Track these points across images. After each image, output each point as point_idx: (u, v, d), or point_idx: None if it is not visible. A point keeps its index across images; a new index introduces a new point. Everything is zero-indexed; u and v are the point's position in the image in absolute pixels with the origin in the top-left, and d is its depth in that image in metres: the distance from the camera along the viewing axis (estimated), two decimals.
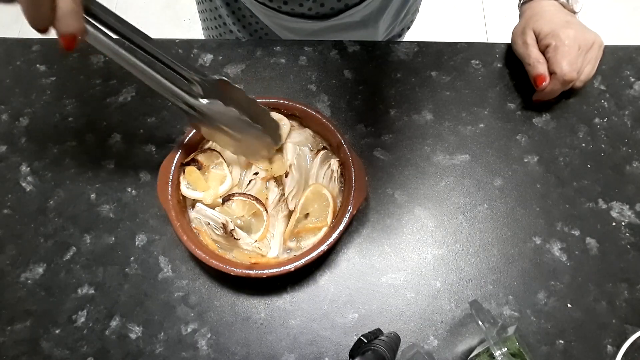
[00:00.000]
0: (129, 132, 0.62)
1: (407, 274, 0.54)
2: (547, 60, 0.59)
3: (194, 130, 0.56)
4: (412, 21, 0.91)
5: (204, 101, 0.48)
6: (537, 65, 0.59)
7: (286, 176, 0.54)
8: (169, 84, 0.47)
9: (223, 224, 0.51)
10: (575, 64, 0.58)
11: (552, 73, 0.58)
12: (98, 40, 0.42)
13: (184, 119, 0.63)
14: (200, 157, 0.55)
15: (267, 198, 0.54)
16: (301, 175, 0.55)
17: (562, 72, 0.57)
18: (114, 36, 0.43)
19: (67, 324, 0.52)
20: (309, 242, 0.53)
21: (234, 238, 0.52)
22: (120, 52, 0.43)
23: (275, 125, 0.55)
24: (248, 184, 0.55)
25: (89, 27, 0.40)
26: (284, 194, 0.54)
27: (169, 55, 0.46)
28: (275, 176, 0.55)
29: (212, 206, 0.54)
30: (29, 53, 0.68)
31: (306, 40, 0.68)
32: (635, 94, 0.64)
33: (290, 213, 0.54)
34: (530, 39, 0.60)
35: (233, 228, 0.51)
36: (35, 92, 0.65)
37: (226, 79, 0.49)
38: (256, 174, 0.55)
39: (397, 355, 0.43)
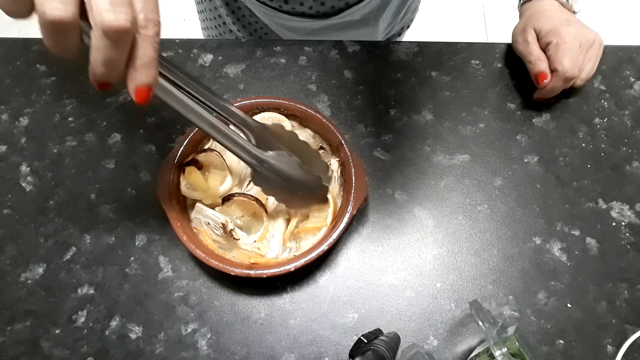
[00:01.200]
0: (129, 132, 0.62)
1: (407, 274, 0.54)
2: (548, 58, 0.59)
3: (194, 130, 0.56)
4: (411, 20, 0.91)
5: (271, 152, 0.46)
6: (539, 62, 0.59)
7: None
8: (238, 139, 0.44)
9: (222, 224, 0.51)
10: (576, 61, 0.58)
11: (553, 70, 0.58)
12: (168, 92, 0.38)
13: (184, 119, 0.62)
14: (200, 157, 0.55)
15: (267, 198, 0.54)
16: None
17: (563, 69, 0.57)
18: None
19: (67, 324, 0.52)
20: (308, 242, 0.53)
21: (234, 238, 0.52)
22: (189, 104, 0.40)
23: (326, 167, 0.52)
24: (248, 184, 0.55)
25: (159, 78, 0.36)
26: None
27: (225, 106, 0.45)
28: None
29: (212, 206, 0.54)
30: (29, 53, 0.68)
31: (306, 40, 0.68)
32: (635, 94, 0.64)
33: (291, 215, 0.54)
34: (531, 37, 0.60)
35: (233, 228, 0.51)
36: (35, 92, 0.65)
37: (267, 125, 0.48)
38: None
39: (397, 355, 0.43)
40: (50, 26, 0.29)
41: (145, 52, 0.31)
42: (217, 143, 0.57)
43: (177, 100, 0.39)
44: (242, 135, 0.46)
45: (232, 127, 0.46)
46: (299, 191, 0.50)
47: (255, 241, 0.52)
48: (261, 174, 0.48)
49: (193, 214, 0.53)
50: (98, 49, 0.30)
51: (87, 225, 0.57)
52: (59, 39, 0.30)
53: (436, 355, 0.51)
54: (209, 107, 0.45)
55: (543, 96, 0.62)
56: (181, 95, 0.39)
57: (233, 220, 0.53)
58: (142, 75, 0.32)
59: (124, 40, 0.30)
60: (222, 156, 0.56)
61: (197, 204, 0.53)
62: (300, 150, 0.50)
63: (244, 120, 0.48)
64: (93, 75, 0.31)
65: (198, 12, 0.87)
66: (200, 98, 0.45)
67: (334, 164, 0.55)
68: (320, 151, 0.56)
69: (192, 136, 0.56)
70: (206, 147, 0.57)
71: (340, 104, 0.64)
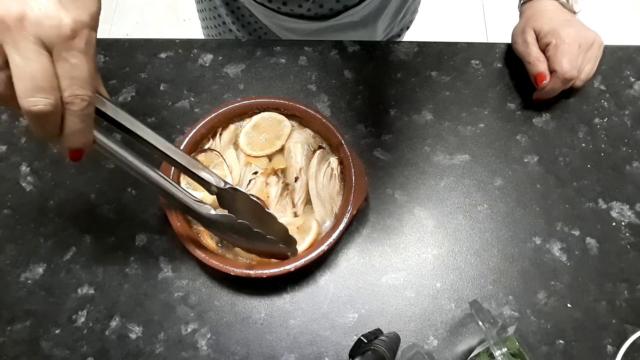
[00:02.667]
0: None
1: (407, 274, 0.54)
2: (548, 59, 0.59)
3: (194, 130, 0.56)
4: (411, 21, 0.91)
5: (213, 212, 0.45)
6: (538, 63, 0.59)
7: (296, 181, 0.54)
8: (180, 195, 0.44)
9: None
10: (575, 62, 0.58)
11: (552, 71, 0.59)
12: (107, 149, 0.39)
13: (184, 119, 0.63)
14: (200, 157, 0.55)
15: (268, 197, 0.54)
16: (307, 177, 0.55)
17: (562, 70, 0.57)
18: (126, 134, 0.42)
19: (67, 324, 0.52)
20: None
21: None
22: (129, 160, 0.41)
23: (285, 230, 0.50)
24: (248, 183, 0.55)
25: (97, 135, 0.38)
26: (286, 188, 0.54)
27: (184, 158, 0.44)
28: (275, 170, 0.55)
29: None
30: None
31: (306, 40, 0.68)
32: (635, 94, 0.64)
33: (294, 204, 0.54)
34: (531, 38, 0.60)
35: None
36: None
37: (242, 190, 0.47)
38: (255, 173, 0.55)
39: (397, 355, 0.43)
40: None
41: (71, 124, 0.33)
42: (217, 143, 0.57)
43: (117, 156, 0.40)
44: (190, 193, 0.46)
45: (202, 173, 0.46)
46: (253, 247, 0.50)
47: None
48: (211, 226, 0.48)
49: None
50: (29, 122, 0.33)
51: (87, 225, 0.57)
52: (39, 127, 0.33)
53: (436, 355, 0.51)
54: (168, 157, 0.44)
55: (542, 97, 0.62)
56: (123, 153, 0.40)
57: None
58: (70, 142, 0.34)
59: (46, 120, 0.32)
60: (222, 156, 0.56)
61: None
62: (259, 215, 0.49)
63: (207, 183, 0.46)
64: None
65: (198, 11, 0.87)
66: (161, 149, 0.43)
67: (334, 162, 0.55)
68: (320, 151, 0.56)
69: (192, 136, 0.56)
70: (206, 147, 0.57)
71: (340, 104, 0.64)
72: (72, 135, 0.34)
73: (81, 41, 0.32)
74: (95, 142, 0.38)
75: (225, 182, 0.46)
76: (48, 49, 0.31)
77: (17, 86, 0.30)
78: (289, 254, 0.50)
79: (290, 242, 0.50)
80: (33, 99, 0.30)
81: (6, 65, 0.31)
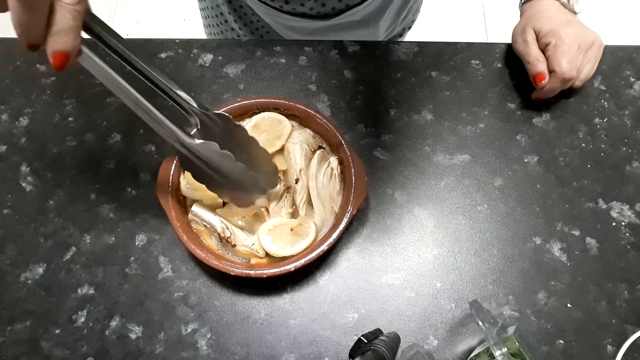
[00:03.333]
0: (129, 132, 0.62)
1: (407, 274, 0.54)
2: (547, 59, 0.59)
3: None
4: (413, 21, 0.91)
5: (198, 141, 0.43)
6: (537, 63, 0.59)
7: (296, 182, 0.54)
8: (162, 118, 0.43)
9: (218, 233, 0.51)
10: (574, 62, 0.58)
11: (551, 71, 0.58)
12: (92, 63, 0.38)
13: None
14: None
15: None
16: (307, 178, 0.55)
17: (561, 70, 0.57)
18: (113, 55, 0.40)
19: (67, 324, 0.52)
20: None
21: (231, 245, 0.52)
22: (114, 78, 0.39)
23: (273, 169, 0.50)
24: None
25: (84, 48, 0.36)
26: (287, 190, 0.54)
27: (169, 82, 0.43)
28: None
29: (212, 207, 0.54)
30: (29, 53, 0.67)
31: (306, 40, 0.68)
32: (635, 94, 0.64)
33: (295, 211, 0.54)
34: (531, 37, 0.60)
35: (229, 235, 0.51)
36: (35, 92, 0.65)
37: (228, 115, 0.45)
38: None
39: (397, 355, 0.43)
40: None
41: (61, 19, 0.31)
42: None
43: (102, 72, 0.38)
44: (182, 112, 0.44)
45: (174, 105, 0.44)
46: (229, 185, 0.48)
47: (253, 244, 0.52)
48: (186, 158, 0.45)
49: (190, 216, 0.53)
50: (12, 11, 0.30)
51: (87, 225, 0.57)
52: (26, 19, 0.31)
53: (436, 355, 0.51)
54: (154, 84, 0.42)
55: (541, 97, 0.62)
56: (105, 67, 0.38)
57: (234, 221, 0.53)
58: (57, 43, 0.32)
59: (35, 5, 0.30)
60: None
61: (193, 207, 0.53)
62: (246, 146, 0.47)
63: (188, 104, 0.45)
64: (17, 35, 0.31)
65: (200, 9, 0.87)
66: (146, 74, 0.42)
67: (334, 161, 0.55)
68: (320, 151, 0.56)
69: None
70: None
71: (340, 104, 0.64)
72: (60, 34, 0.32)
73: None
74: (81, 53, 0.36)
75: (208, 108, 0.44)
76: None
77: None
78: (269, 189, 0.49)
79: (273, 179, 0.49)
80: None
81: None
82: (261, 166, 0.49)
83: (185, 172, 0.54)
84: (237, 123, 0.46)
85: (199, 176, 0.48)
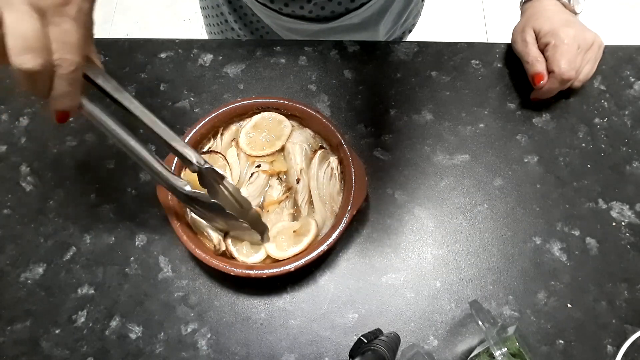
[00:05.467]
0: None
1: (407, 274, 0.54)
2: (546, 59, 0.59)
3: (194, 130, 0.56)
4: (413, 25, 0.91)
5: (188, 188, 0.46)
6: (536, 63, 0.59)
7: (297, 182, 0.54)
8: (160, 170, 0.45)
9: (214, 245, 0.51)
10: (574, 63, 0.58)
11: (550, 72, 0.58)
12: (93, 115, 0.41)
13: (184, 119, 0.63)
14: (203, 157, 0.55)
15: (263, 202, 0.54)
16: (308, 178, 0.55)
17: (560, 70, 0.57)
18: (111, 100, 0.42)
19: (67, 324, 0.52)
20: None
21: (227, 257, 0.52)
22: (114, 130, 0.42)
23: (263, 227, 0.52)
24: (250, 176, 0.55)
25: (85, 102, 0.40)
26: (288, 192, 0.54)
27: (168, 133, 0.44)
28: (277, 173, 0.55)
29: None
30: None
31: (306, 40, 0.68)
32: (635, 94, 0.64)
33: (297, 211, 0.54)
34: (530, 37, 0.60)
35: (224, 249, 0.52)
36: None
37: (217, 170, 0.47)
38: (259, 166, 0.55)
39: (397, 355, 0.43)
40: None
41: (59, 87, 0.35)
42: (218, 143, 0.57)
43: (102, 123, 0.41)
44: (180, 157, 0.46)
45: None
46: (226, 226, 0.51)
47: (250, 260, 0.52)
48: (184, 200, 0.48)
49: (190, 220, 0.53)
50: (21, 82, 0.34)
51: (87, 225, 0.57)
52: (30, 87, 0.35)
53: (436, 355, 0.51)
54: (152, 131, 0.44)
55: (540, 97, 0.62)
56: (104, 117, 0.41)
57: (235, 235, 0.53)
58: (57, 104, 0.36)
59: (35, 79, 0.34)
60: (225, 158, 0.56)
61: (191, 216, 0.53)
62: (236, 199, 0.51)
63: (183, 155, 0.46)
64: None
65: (201, 8, 0.87)
66: (145, 122, 0.44)
67: (333, 161, 0.55)
68: (321, 151, 0.56)
69: (192, 136, 0.56)
70: (207, 147, 0.57)
71: (340, 104, 0.64)
72: (59, 98, 0.36)
73: (73, 8, 0.34)
74: (82, 107, 0.40)
75: (205, 162, 0.46)
76: (40, 12, 0.32)
77: (9, 44, 0.32)
78: (260, 239, 0.52)
79: (262, 228, 0.52)
80: (23, 57, 0.32)
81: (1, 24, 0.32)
82: (250, 215, 0.51)
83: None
84: (230, 182, 0.50)
85: (198, 214, 0.51)
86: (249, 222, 0.50)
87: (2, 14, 0.32)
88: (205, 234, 0.52)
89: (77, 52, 0.35)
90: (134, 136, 0.43)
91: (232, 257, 0.52)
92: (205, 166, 0.46)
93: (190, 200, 0.47)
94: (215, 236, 0.52)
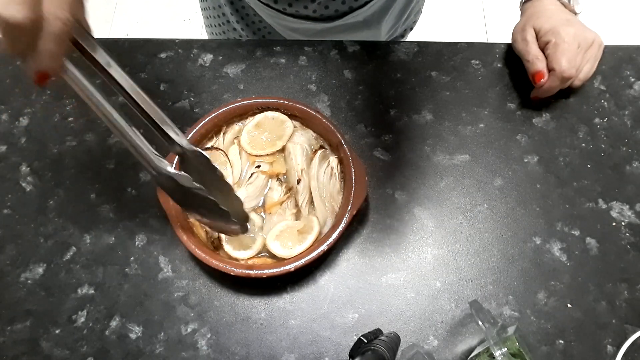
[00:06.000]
0: None
1: (407, 274, 0.54)
2: (547, 57, 0.59)
3: (194, 130, 0.56)
4: (414, 22, 0.91)
5: (172, 170, 0.43)
6: (536, 62, 0.59)
7: (298, 183, 0.54)
8: (138, 143, 0.42)
9: (206, 230, 0.51)
10: (574, 61, 0.58)
11: (550, 70, 0.59)
12: (76, 80, 0.38)
13: (184, 119, 0.63)
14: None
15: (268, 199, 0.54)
16: (309, 178, 0.55)
17: (560, 69, 0.57)
18: (101, 75, 0.40)
19: (67, 324, 0.52)
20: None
21: (219, 252, 0.52)
22: (97, 100, 0.39)
23: (245, 216, 0.50)
24: (250, 177, 0.55)
25: (68, 65, 0.37)
26: (288, 191, 0.54)
27: (153, 109, 0.43)
28: (277, 174, 0.55)
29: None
30: None
31: (306, 40, 0.68)
32: (635, 94, 0.64)
33: (298, 211, 0.54)
34: (530, 36, 0.60)
35: (216, 236, 0.52)
36: (35, 92, 0.65)
37: (205, 155, 0.45)
38: (258, 167, 0.55)
39: (397, 355, 0.43)
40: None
41: (44, 44, 0.33)
42: (221, 141, 0.57)
43: (84, 91, 0.39)
44: (164, 138, 0.44)
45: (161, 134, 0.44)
46: (202, 213, 0.49)
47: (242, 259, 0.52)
48: (162, 183, 0.46)
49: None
50: (2, 35, 0.32)
51: (87, 225, 0.57)
52: (11, 37, 0.32)
53: (436, 355, 0.51)
54: (137, 105, 0.42)
55: (540, 95, 0.62)
56: (91, 89, 0.39)
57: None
58: (38, 62, 0.34)
59: (20, 33, 0.31)
60: (226, 155, 0.56)
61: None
62: (220, 189, 0.48)
63: (172, 136, 0.44)
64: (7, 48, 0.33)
65: (202, 9, 0.87)
66: (133, 96, 0.42)
67: (333, 161, 0.56)
68: (321, 150, 0.56)
69: (192, 136, 0.56)
70: (208, 145, 0.57)
71: (340, 104, 0.64)
72: (42, 55, 0.33)
73: None
74: (64, 70, 0.37)
75: (189, 144, 0.44)
76: None
77: None
78: (240, 229, 0.49)
79: (244, 218, 0.50)
80: (12, 7, 0.30)
81: None
82: (232, 204, 0.49)
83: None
84: (215, 166, 0.47)
85: (174, 198, 0.49)
86: (231, 210, 0.46)
87: None
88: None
89: (68, 9, 0.33)
90: (117, 108, 0.41)
91: (220, 247, 0.52)
92: (190, 148, 0.44)
93: (169, 181, 0.44)
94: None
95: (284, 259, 0.51)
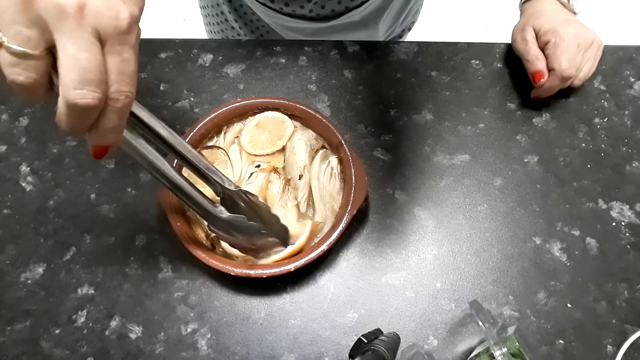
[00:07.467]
0: None
1: (407, 274, 0.54)
2: (546, 57, 0.59)
3: (194, 130, 0.56)
4: (413, 22, 0.91)
5: (226, 215, 0.46)
6: (536, 61, 0.59)
7: (300, 178, 0.54)
8: (196, 194, 0.44)
9: (204, 230, 0.52)
10: (574, 60, 0.58)
11: (550, 69, 0.59)
12: (133, 147, 0.38)
13: (184, 119, 0.63)
14: (206, 153, 0.56)
15: (267, 194, 0.54)
16: (310, 176, 0.55)
17: (560, 68, 0.57)
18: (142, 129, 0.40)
19: (67, 324, 0.52)
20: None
21: (216, 248, 0.52)
22: (152, 160, 0.39)
23: (286, 230, 0.52)
24: (249, 176, 0.55)
25: (125, 133, 0.36)
26: (288, 183, 0.54)
27: (195, 157, 0.44)
28: (276, 168, 0.55)
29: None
30: None
31: (306, 40, 0.68)
32: (635, 94, 0.64)
33: (298, 203, 0.54)
34: (530, 36, 0.61)
35: (215, 235, 0.52)
36: None
37: (247, 191, 0.47)
38: (258, 166, 0.55)
39: (397, 355, 0.43)
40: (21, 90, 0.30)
41: (110, 120, 0.31)
42: (221, 141, 0.57)
43: (140, 155, 0.39)
44: (202, 194, 0.45)
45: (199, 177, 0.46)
46: (253, 247, 0.51)
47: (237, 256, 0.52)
48: (216, 225, 0.47)
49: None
50: (63, 115, 0.30)
51: (87, 225, 0.57)
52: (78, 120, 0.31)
53: (436, 355, 0.51)
54: (182, 156, 0.43)
55: (540, 95, 0.62)
56: (144, 149, 0.39)
57: None
58: (102, 138, 0.32)
59: (87, 114, 0.30)
60: (227, 154, 0.56)
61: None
62: (264, 214, 0.51)
63: (213, 179, 0.46)
64: (59, 125, 0.32)
65: (201, 7, 0.87)
66: (176, 148, 0.42)
67: (333, 161, 0.56)
68: (322, 150, 0.56)
69: (192, 136, 0.56)
70: (210, 144, 0.57)
71: (340, 104, 0.64)
72: (106, 132, 0.32)
73: (134, 36, 0.31)
74: (123, 140, 0.37)
75: (231, 183, 0.47)
76: (102, 41, 0.29)
77: (65, 77, 0.28)
78: (282, 244, 0.52)
79: (284, 233, 0.52)
80: (81, 91, 0.28)
81: (50, 54, 0.29)
82: (276, 229, 0.52)
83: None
84: (261, 201, 0.50)
85: (227, 240, 0.50)
86: (273, 230, 0.50)
87: (57, 42, 0.28)
88: (198, 219, 0.52)
89: (133, 82, 0.32)
90: (169, 164, 0.41)
91: (217, 245, 0.52)
92: (234, 188, 0.46)
93: (223, 223, 0.46)
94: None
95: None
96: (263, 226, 0.49)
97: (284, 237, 0.51)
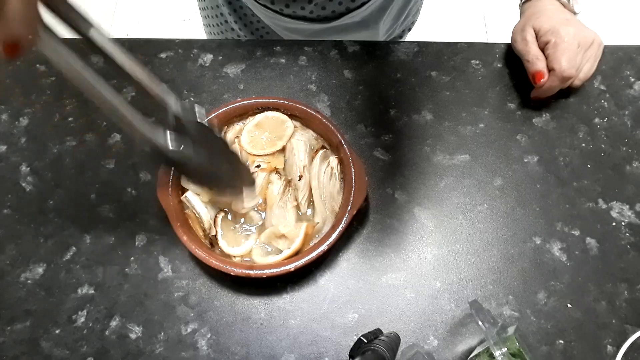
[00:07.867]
0: None
1: (407, 274, 0.54)
2: (546, 57, 0.59)
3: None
4: (413, 23, 0.91)
5: (174, 146, 0.38)
6: (536, 61, 0.59)
7: (300, 179, 0.54)
8: (134, 120, 0.37)
9: (204, 228, 0.51)
10: (574, 60, 0.58)
11: (550, 70, 0.59)
12: (53, 50, 0.33)
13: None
14: None
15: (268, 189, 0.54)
16: (310, 176, 0.55)
17: (560, 68, 0.57)
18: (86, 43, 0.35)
19: (67, 324, 0.52)
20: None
21: (213, 245, 0.52)
22: (79, 71, 0.34)
23: (252, 180, 0.49)
24: None
25: (43, 33, 0.32)
26: (288, 184, 0.54)
27: (143, 73, 0.38)
28: (276, 168, 0.55)
29: (211, 201, 0.54)
30: (29, 53, 0.67)
31: (306, 40, 0.68)
32: (635, 94, 0.64)
33: (299, 204, 0.54)
34: (530, 36, 0.61)
35: (214, 234, 0.52)
36: (35, 92, 0.65)
37: (208, 126, 0.40)
38: (258, 166, 0.55)
39: (397, 355, 0.43)
40: None
41: (13, 6, 0.28)
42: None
43: (62, 59, 0.33)
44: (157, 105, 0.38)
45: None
46: (212, 188, 0.47)
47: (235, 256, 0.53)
48: (160, 161, 0.42)
49: (183, 199, 0.54)
50: None
51: (87, 225, 0.57)
52: None
53: (436, 355, 0.51)
54: (127, 73, 0.37)
55: (540, 95, 0.62)
56: (68, 54, 0.33)
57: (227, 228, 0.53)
58: (7, 30, 0.28)
59: None
60: None
61: (187, 194, 0.53)
62: (226, 157, 0.45)
63: (164, 100, 0.40)
64: None
65: (200, 9, 0.87)
66: (118, 62, 0.37)
67: (333, 161, 0.56)
68: (322, 150, 0.56)
69: None
70: None
71: (340, 104, 0.64)
72: (11, 21, 0.28)
73: None
74: (39, 39, 0.32)
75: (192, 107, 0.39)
76: None
77: None
78: (245, 187, 0.48)
79: (251, 182, 0.50)
80: None
81: None
82: (242, 177, 0.48)
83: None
84: (218, 135, 0.43)
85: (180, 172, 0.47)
86: (239, 176, 0.45)
87: None
88: (197, 215, 0.52)
89: None
90: (103, 79, 0.35)
91: (216, 243, 0.52)
92: (194, 120, 0.39)
93: (173, 159, 0.39)
94: (207, 220, 0.52)
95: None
96: (222, 168, 0.43)
97: (248, 184, 0.48)
